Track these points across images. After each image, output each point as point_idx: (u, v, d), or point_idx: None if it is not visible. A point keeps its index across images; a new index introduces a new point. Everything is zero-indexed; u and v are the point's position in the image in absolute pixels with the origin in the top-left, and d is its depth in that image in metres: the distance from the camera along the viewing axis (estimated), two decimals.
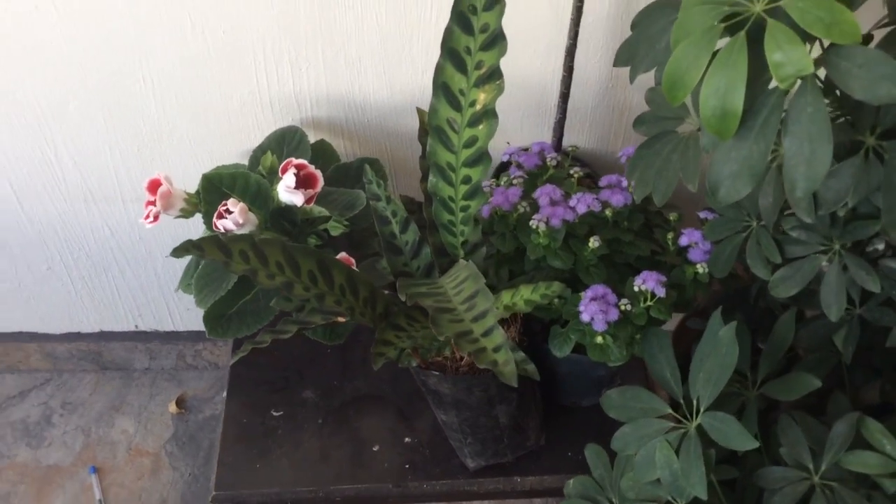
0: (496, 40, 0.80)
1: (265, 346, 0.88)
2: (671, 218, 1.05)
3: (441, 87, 0.83)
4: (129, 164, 1.32)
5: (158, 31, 1.14)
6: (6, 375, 1.67)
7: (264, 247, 0.82)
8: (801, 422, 0.91)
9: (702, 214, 1.03)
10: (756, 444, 0.83)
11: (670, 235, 1.02)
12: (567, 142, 1.27)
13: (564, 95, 1.14)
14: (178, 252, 0.77)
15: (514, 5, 1.11)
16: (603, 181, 1.03)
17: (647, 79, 0.92)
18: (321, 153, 1.23)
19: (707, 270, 0.99)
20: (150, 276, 1.52)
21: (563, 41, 1.13)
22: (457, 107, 0.84)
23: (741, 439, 0.85)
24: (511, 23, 1.12)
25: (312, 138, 1.23)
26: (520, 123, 1.26)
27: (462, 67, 0.82)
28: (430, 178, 0.89)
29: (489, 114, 0.83)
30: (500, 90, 0.82)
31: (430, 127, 0.85)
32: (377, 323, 0.90)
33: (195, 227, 1.35)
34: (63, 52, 1.15)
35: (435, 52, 1.16)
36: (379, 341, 0.87)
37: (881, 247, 0.88)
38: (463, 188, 0.87)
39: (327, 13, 1.13)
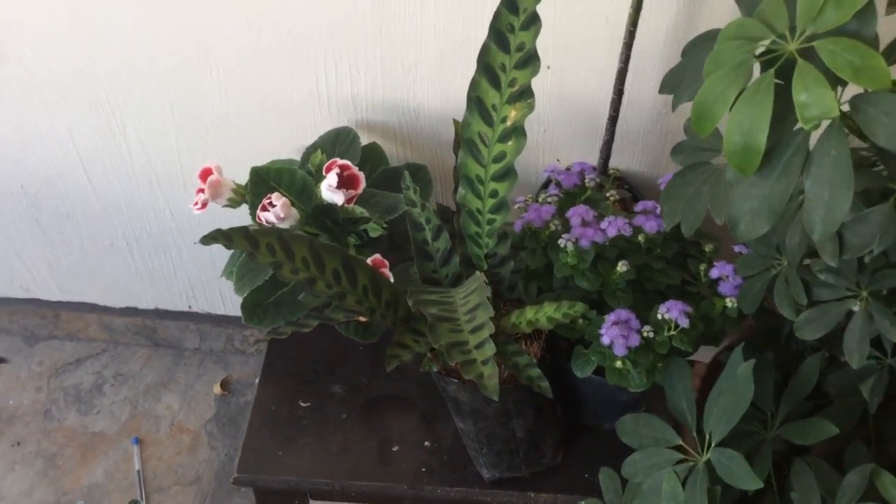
0: (530, 60, 0.81)
1: (285, 336, 0.90)
2: (707, 249, 1.04)
3: (475, 101, 0.85)
4: (193, 149, 1.37)
5: (225, 26, 1.18)
6: (66, 342, 1.75)
7: (291, 241, 0.85)
8: (815, 468, 0.90)
9: (737, 248, 1.02)
10: (760, 485, 0.82)
11: (703, 266, 1.01)
12: (617, 163, 1.27)
13: (613, 118, 1.14)
14: (207, 240, 0.81)
15: (571, 23, 1.13)
16: (638, 207, 1.03)
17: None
18: (371, 155, 1.26)
19: (736, 305, 0.98)
20: (206, 260, 1.57)
21: (615, 63, 1.13)
22: (489, 121, 0.85)
23: (747, 479, 0.84)
24: (566, 39, 1.14)
25: (365, 140, 1.26)
26: (571, 141, 1.27)
27: (496, 83, 0.84)
28: (460, 189, 0.90)
29: (518, 131, 0.84)
30: (531, 109, 0.83)
31: (462, 139, 0.87)
32: (397, 325, 0.92)
33: (248, 218, 1.40)
34: (136, 38, 1.21)
35: None
36: (395, 343, 0.89)
37: None
38: (490, 201, 0.89)
39: (389, 20, 1.16)
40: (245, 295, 1.13)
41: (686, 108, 0.95)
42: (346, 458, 1.15)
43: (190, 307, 1.69)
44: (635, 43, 1.09)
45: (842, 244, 0.78)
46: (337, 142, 1.25)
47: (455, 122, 0.95)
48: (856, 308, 0.85)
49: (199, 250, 1.55)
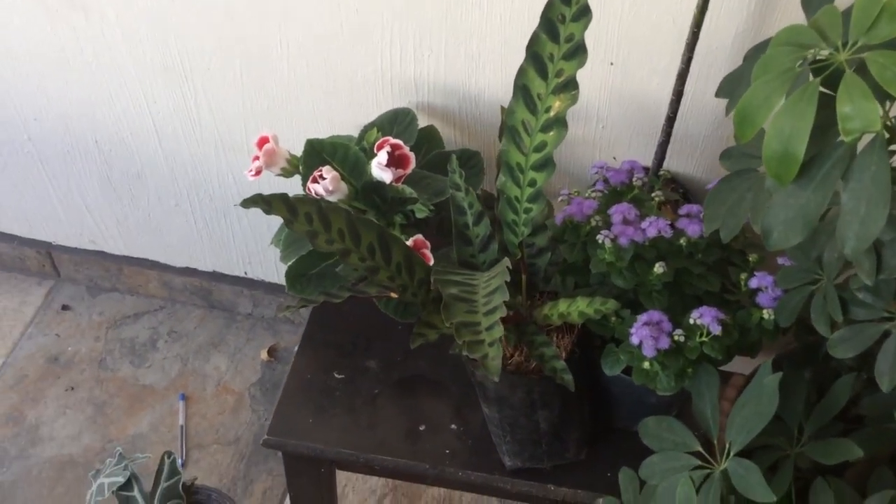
0: (578, 51, 0.81)
1: (316, 304, 0.93)
2: (751, 258, 1.02)
3: (521, 88, 0.85)
4: (259, 119, 1.41)
5: (298, 2, 1.21)
6: (126, 296, 1.82)
7: (329, 213, 0.86)
8: (835, 488, 0.88)
9: (780, 261, 1.00)
10: (772, 499, 0.81)
11: (743, 276, 1.00)
12: (674, 165, 1.26)
13: (670, 119, 1.13)
14: (248, 203, 0.83)
15: (638, 20, 1.12)
16: (683, 210, 1.02)
17: None
18: (427, 138, 1.27)
19: (772, 317, 0.96)
20: (263, 228, 1.61)
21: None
22: (533, 110, 0.86)
23: (760, 491, 0.82)
24: (632, 37, 1.13)
25: (423, 122, 1.28)
26: (629, 140, 1.26)
27: (543, 73, 0.84)
28: (500, 176, 0.91)
29: (560, 122, 0.84)
30: (574, 100, 0.83)
31: (505, 127, 0.88)
32: (427, 305, 0.93)
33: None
34: (211, 7, 1.25)
35: None
36: (423, 322, 0.90)
37: None
38: (528, 190, 0.89)
39: (455, 6, 1.17)
40: (290, 263, 1.16)
41: None
42: (373, 432, 1.17)
43: (245, 273, 1.73)
44: (702, 46, 1.08)
45: (880, 263, 0.76)
46: (395, 122, 1.27)
47: (502, 108, 0.95)
48: (892, 330, 0.83)
49: (258, 218, 1.59)
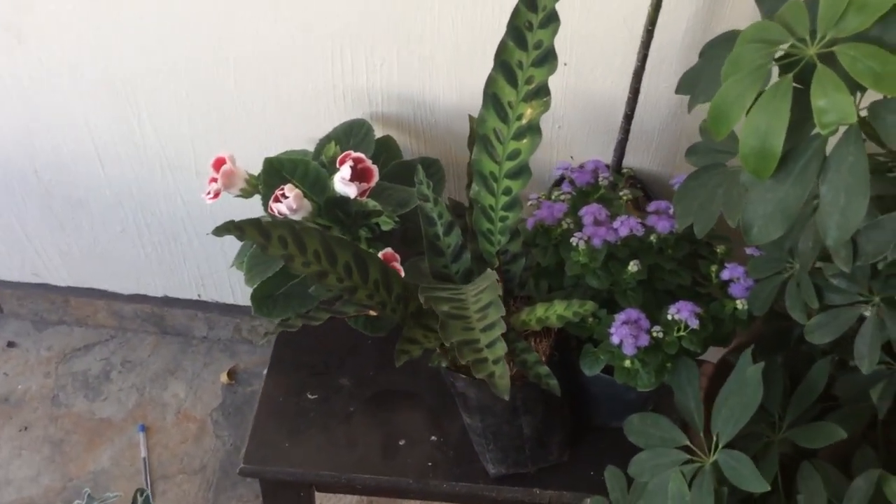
0: (548, 58, 0.81)
1: (295, 329, 0.91)
2: (719, 251, 1.04)
3: (491, 97, 0.85)
4: (206, 137, 1.37)
5: (241, 15, 1.18)
6: (74, 328, 1.76)
7: (303, 235, 0.85)
8: (822, 472, 0.89)
9: (749, 251, 1.01)
10: (767, 488, 0.82)
11: (714, 268, 1.01)
12: (630, 162, 1.27)
13: (628, 116, 1.14)
14: (220, 231, 0.81)
15: (589, 21, 1.12)
16: (651, 206, 1.03)
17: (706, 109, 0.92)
18: (385, 148, 1.26)
19: (746, 307, 0.98)
20: (216, 248, 1.57)
21: (632, 62, 1.13)
22: (504, 118, 0.85)
23: (754, 481, 0.84)
24: (584, 37, 1.14)
25: (379, 133, 1.26)
26: (586, 139, 1.27)
27: (513, 81, 0.84)
28: (473, 185, 0.90)
29: (533, 129, 0.84)
30: (547, 107, 0.83)
31: (476, 135, 0.87)
32: (406, 321, 0.92)
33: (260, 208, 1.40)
34: (153, 25, 1.21)
35: None
36: (405, 338, 0.89)
37: None
38: (503, 199, 0.89)
39: (406, 14, 1.16)
40: (255, 286, 1.13)
41: (702, 109, 0.95)
42: (352, 450, 1.15)
43: (199, 296, 1.69)
44: (653, 42, 1.09)
45: (855, 250, 0.78)
46: (351, 134, 1.25)
47: (470, 117, 0.95)
48: (867, 313, 0.85)
49: (210, 239, 1.56)
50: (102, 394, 1.66)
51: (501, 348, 0.69)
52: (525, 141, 0.84)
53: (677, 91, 1.00)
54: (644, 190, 1.25)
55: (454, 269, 1.00)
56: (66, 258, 1.65)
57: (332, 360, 1.25)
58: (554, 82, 1.18)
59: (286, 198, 1.07)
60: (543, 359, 1.01)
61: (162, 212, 1.52)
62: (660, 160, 1.28)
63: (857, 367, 0.97)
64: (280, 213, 1.07)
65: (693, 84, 0.97)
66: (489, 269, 0.84)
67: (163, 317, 1.73)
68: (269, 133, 1.34)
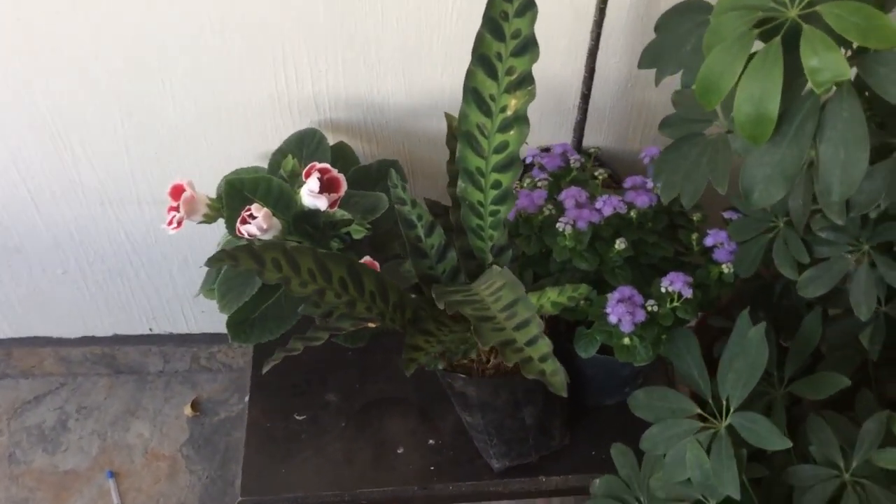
0: (528, 46, 0.80)
1: (297, 353, 0.88)
2: (695, 219, 1.05)
3: (471, 92, 0.84)
4: (146, 166, 1.31)
5: (178, 34, 1.13)
6: (20, 380, 1.67)
7: (296, 255, 0.82)
8: (830, 421, 0.92)
9: (726, 215, 1.03)
10: (789, 444, 0.84)
11: (695, 236, 1.03)
12: (585, 142, 1.27)
13: (585, 96, 1.15)
14: (213, 262, 0.77)
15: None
16: (627, 182, 1.03)
17: (669, 79, 0.92)
18: (340, 155, 1.23)
19: (732, 270, 0.99)
20: (165, 278, 1.51)
21: (583, 41, 1.14)
22: (487, 112, 0.84)
23: (773, 439, 0.85)
24: None
25: (331, 141, 1.23)
26: (539, 124, 1.26)
27: (493, 73, 0.82)
28: (460, 182, 0.89)
29: (520, 119, 0.83)
30: (532, 96, 0.82)
31: (459, 132, 0.85)
32: (407, 328, 0.90)
33: (210, 230, 1.35)
34: (82, 55, 1.15)
35: (455, 53, 1.18)
36: (409, 347, 0.87)
37: None
38: (492, 193, 0.87)
39: (348, 15, 1.13)
40: (231, 313, 1.09)
41: (647, 81, 0.96)
42: (351, 467, 1.13)
43: (151, 329, 1.63)
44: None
45: (847, 202, 0.79)
46: (303, 144, 1.22)
47: (448, 115, 0.93)
48: (856, 262, 0.87)
49: (158, 270, 1.50)
50: (62, 445, 1.58)
51: (545, 346, 0.68)
52: (513, 132, 0.83)
53: (640, 66, 1.01)
54: (606, 166, 1.26)
55: (439, 269, 0.99)
56: (4, 309, 1.56)
57: (314, 378, 1.22)
58: None
59: (254, 217, 1.03)
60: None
61: (105, 249, 1.45)
62: (615, 136, 1.28)
63: (841, 316, 1.01)
64: (250, 235, 1.04)
65: (655, 57, 0.98)
66: (496, 267, 0.82)
67: (114, 356, 1.66)
68: (213, 154, 1.29)
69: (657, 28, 0.99)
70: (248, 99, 1.23)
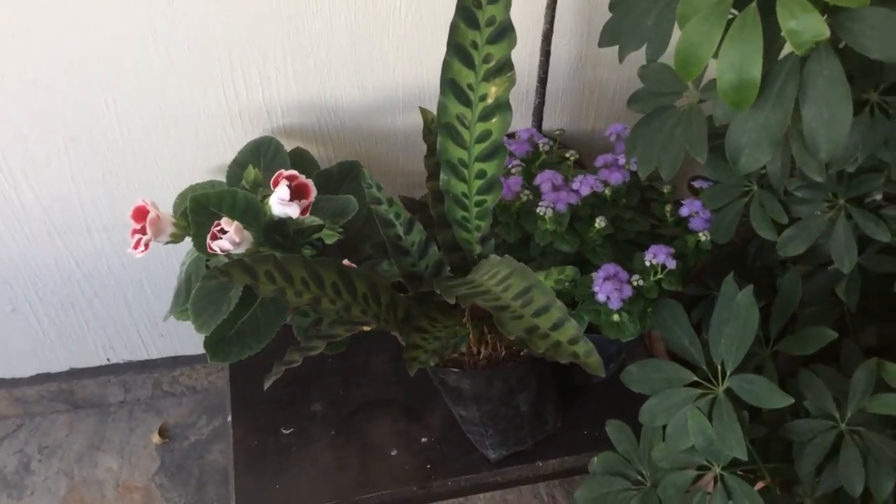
0: (504, 32, 0.80)
1: (296, 365, 0.85)
2: (665, 190, 1.06)
3: (448, 83, 0.83)
4: (94, 191, 1.26)
5: (120, 51, 1.09)
6: None
7: (287, 265, 0.80)
8: (820, 374, 0.94)
9: (696, 184, 1.05)
10: (790, 400, 0.85)
11: (668, 208, 1.04)
12: (542, 125, 1.28)
13: (543, 80, 1.15)
14: (208, 279, 0.75)
15: None
16: (598, 161, 1.04)
17: (612, 55, 0.93)
18: (299, 161, 1.21)
19: (709, 238, 1.01)
20: (121, 305, 1.46)
21: (534, 25, 1.14)
22: (466, 102, 0.83)
23: (774, 397, 0.87)
24: None
25: (287, 147, 1.20)
26: None
27: (469, 62, 0.81)
28: (442, 175, 0.88)
29: (502, 107, 0.83)
30: (512, 82, 0.82)
31: (439, 124, 0.84)
32: (401, 328, 0.89)
33: (165, 251, 1.32)
34: (23, 80, 1.10)
35: (407, 49, 1.17)
36: (408, 346, 0.86)
37: (879, 197, 0.91)
38: (477, 183, 0.87)
39: (295, 18, 1.11)
40: (210, 332, 1.06)
41: (611, 59, 0.95)
42: (346, 474, 1.11)
43: (108, 359, 1.57)
44: (539, 3, 1.10)
45: None
46: (259, 153, 1.19)
47: (423, 109, 0.92)
48: (836, 217, 0.89)
49: (112, 297, 1.44)
50: (27, 489, 1.51)
51: (572, 327, 0.68)
52: (495, 120, 0.83)
53: (601, 45, 1.01)
54: (565, 147, 1.26)
55: (422, 265, 0.98)
56: None
57: (296, 390, 1.20)
58: None
59: (226, 232, 1.00)
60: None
61: (55, 280, 1.39)
62: (569, 117, 1.29)
63: (814, 272, 1.03)
64: (222, 250, 1.01)
65: (616, 35, 0.98)
66: (494, 256, 0.82)
67: (72, 391, 1.59)
68: (165, 172, 1.25)
69: (613, 6, 0.99)
70: (197, 112, 1.19)
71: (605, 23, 1.00)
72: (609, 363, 1.16)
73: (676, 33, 0.90)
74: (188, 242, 1.08)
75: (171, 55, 1.11)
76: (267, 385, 0.84)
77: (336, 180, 1.19)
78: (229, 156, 1.22)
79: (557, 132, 1.16)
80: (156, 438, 1.58)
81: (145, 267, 1.40)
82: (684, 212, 1.01)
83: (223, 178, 1.21)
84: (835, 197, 0.90)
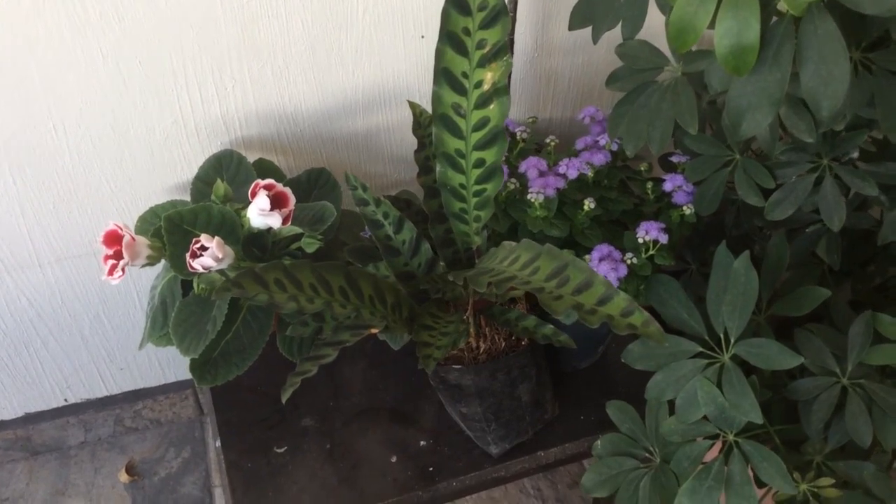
0: (498, 16, 0.78)
1: (311, 374, 0.82)
2: (643, 168, 1.07)
3: (442, 72, 0.81)
4: (45, 223, 1.20)
5: (67, 71, 1.04)
6: None
7: (295, 271, 0.77)
8: (816, 332, 0.96)
9: (674, 159, 1.06)
10: (801, 360, 0.87)
11: (649, 185, 1.05)
12: None
13: None
14: (221, 293, 0.71)
15: None
16: (579, 144, 1.04)
17: (574, 43, 0.93)
18: (264, 172, 1.17)
19: (693, 211, 1.02)
20: (77, 341, 1.39)
21: None
22: (461, 91, 0.82)
23: (783, 359, 0.88)
24: (436, 7, 1.12)
25: (249, 159, 1.17)
26: None
27: (462, 49, 0.80)
28: (438, 168, 0.86)
29: (500, 92, 0.81)
30: (509, 66, 0.81)
31: (434, 116, 0.83)
32: (408, 327, 0.87)
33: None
34: None
35: (366, 50, 1.15)
36: (420, 344, 0.84)
37: (856, 155, 0.94)
38: (476, 172, 0.85)
39: (250, 25, 1.08)
40: (197, 354, 1.01)
41: (567, 47, 0.95)
42: (348, 486, 1.08)
43: (66, 400, 1.49)
44: None
45: (814, 120, 0.83)
46: (221, 167, 1.15)
47: (411, 103, 0.90)
48: (822, 176, 0.91)
49: (68, 333, 1.37)
50: None
51: (622, 300, 0.67)
52: (493, 106, 0.81)
53: (571, 27, 1.01)
54: None
55: (414, 263, 0.96)
56: None
57: (283, 407, 1.16)
58: (414, 56, 1.18)
59: (206, 248, 0.96)
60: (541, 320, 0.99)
61: (6, 321, 1.31)
62: (527, 105, 1.29)
63: (792, 234, 1.06)
64: (205, 267, 0.97)
65: (588, 16, 0.99)
66: (507, 242, 0.80)
67: (28, 437, 1.51)
68: (118, 196, 1.20)
69: None
70: (151, 130, 1.14)
71: (572, 7, 1.01)
72: (598, 347, 1.16)
73: (652, 8, 0.92)
74: (152, 268, 1.04)
75: (121, 71, 1.07)
76: (285, 398, 0.80)
77: (305, 188, 1.16)
78: (187, 174, 1.18)
79: (530, 119, 1.16)
80: (123, 477, 1.51)
81: (102, 299, 1.34)
82: (667, 187, 1.02)
83: (183, 197, 1.17)
84: (818, 157, 0.92)
